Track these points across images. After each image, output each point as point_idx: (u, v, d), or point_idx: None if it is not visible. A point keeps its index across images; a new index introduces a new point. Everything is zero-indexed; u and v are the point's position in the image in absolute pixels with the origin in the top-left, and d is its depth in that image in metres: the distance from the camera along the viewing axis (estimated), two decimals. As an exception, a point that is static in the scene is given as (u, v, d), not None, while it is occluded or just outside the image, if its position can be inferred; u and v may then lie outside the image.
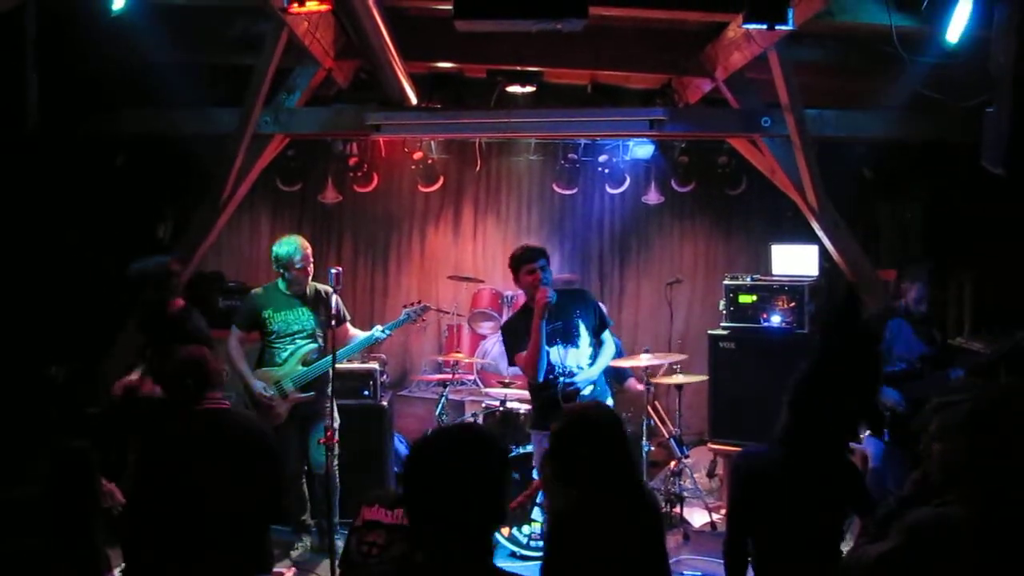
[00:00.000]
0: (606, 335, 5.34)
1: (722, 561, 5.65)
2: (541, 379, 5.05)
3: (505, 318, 8.02)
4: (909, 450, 5.08)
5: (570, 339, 5.12)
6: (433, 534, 2.13)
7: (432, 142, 8.24)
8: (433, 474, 2.15)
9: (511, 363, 5.40)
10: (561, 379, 5.06)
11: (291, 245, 5.72)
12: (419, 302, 6.13)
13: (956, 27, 4.74)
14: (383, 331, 5.87)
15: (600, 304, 5.38)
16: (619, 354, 6.12)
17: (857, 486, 3.49)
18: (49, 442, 4.41)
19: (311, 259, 5.77)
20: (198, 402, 3.90)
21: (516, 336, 5.15)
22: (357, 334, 5.88)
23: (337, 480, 5.75)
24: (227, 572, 3.66)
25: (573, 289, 5.43)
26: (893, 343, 5.47)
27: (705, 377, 7.05)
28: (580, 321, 5.16)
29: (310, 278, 5.81)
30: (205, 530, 3.59)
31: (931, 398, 4.88)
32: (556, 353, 5.07)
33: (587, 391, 5.18)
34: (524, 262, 5.06)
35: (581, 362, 5.15)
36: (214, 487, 3.64)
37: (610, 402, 5.33)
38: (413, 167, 8.34)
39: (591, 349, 5.20)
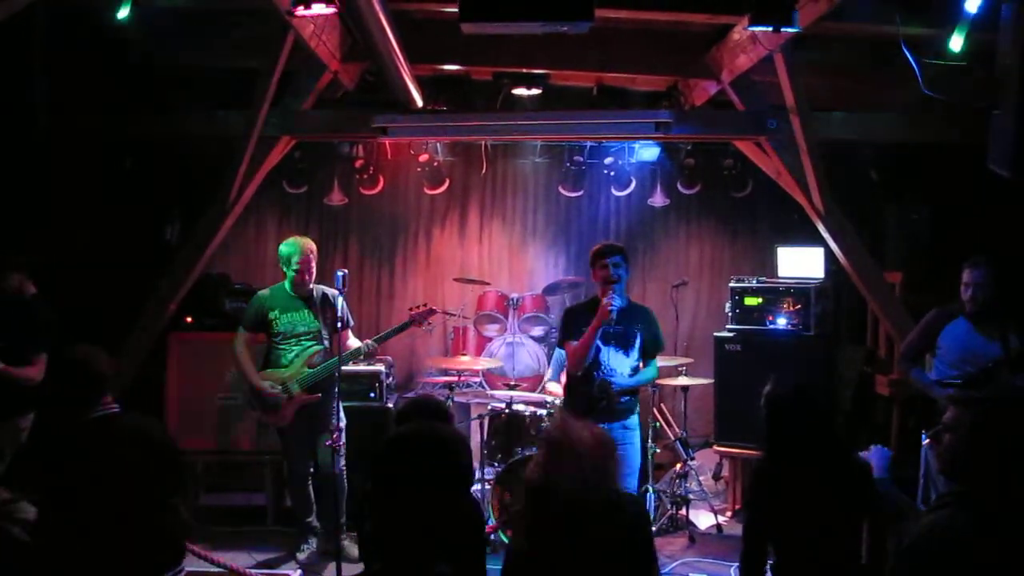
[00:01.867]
0: (654, 361, 5.46)
1: (728, 563, 5.66)
2: (580, 373, 5.20)
3: (510, 320, 8.05)
4: None
5: (624, 346, 5.23)
6: (390, 538, 2.12)
7: (438, 144, 8.25)
8: (400, 475, 2.12)
9: (560, 345, 5.53)
10: (601, 375, 5.18)
11: (292, 245, 5.75)
12: (425, 305, 6.14)
13: (959, 35, 4.75)
14: (372, 344, 5.86)
15: (660, 329, 5.47)
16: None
17: (867, 489, 3.46)
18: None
19: (312, 261, 5.76)
20: (87, 411, 3.55)
21: (574, 324, 5.27)
22: (354, 344, 5.88)
23: (344, 482, 5.76)
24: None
25: (643, 306, 5.51)
26: (952, 346, 5.16)
27: (711, 379, 7.05)
28: (639, 335, 5.27)
29: (312, 280, 5.82)
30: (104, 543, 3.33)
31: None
32: (607, 353, 5.18)
33: (622, 398, 5.26)
34: (599, 256, 5.21)
35: (624, 369, 5.24)
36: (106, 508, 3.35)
37: (635, 418, 5.38)
38: (419, 169, 8.34)
39: (637, 363, 5.28)
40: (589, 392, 5.19)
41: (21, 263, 5.29)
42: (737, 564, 5.80)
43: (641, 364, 5.35)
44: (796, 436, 3.42)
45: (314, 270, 5.81)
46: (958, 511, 2.55)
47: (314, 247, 5.83)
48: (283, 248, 5.79)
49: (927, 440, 5.21)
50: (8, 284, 5.25)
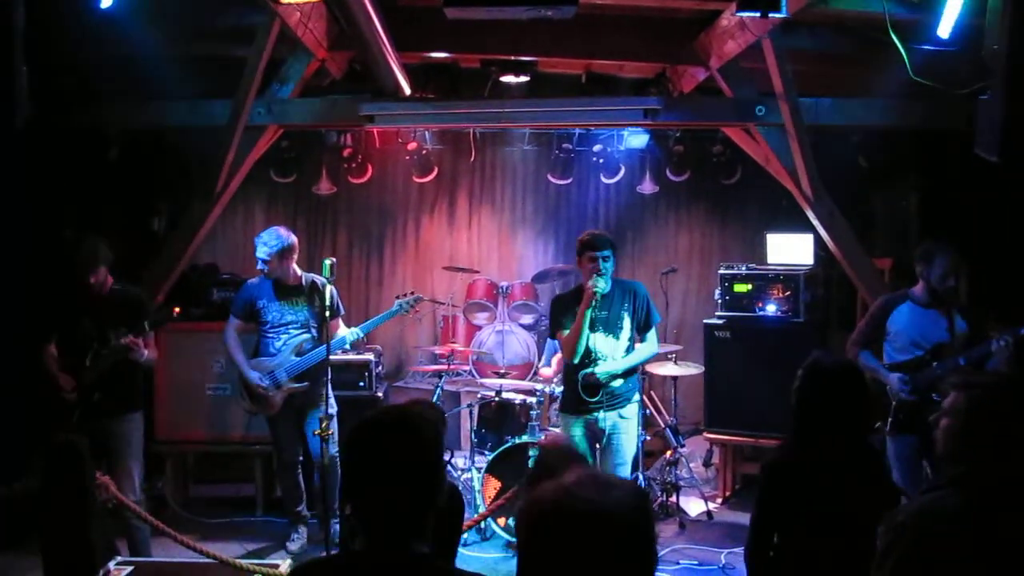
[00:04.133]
0: (650, 334, 5.38)
1: (718, 549, 5.67)
2: (576, 361, 5.17)
3: (499, 308, 8.05)
4: (919, 438, 4.96)
5: (612, 329, 5.20)
6: (368, 520, 2.12)
7: (426, 132, 8.23)
8: (364, 459, 2.13)
9: (552, 336, 5.49)
10: (592, 363, 5.15)
11: (264, 236, 5.74)
12: (412, 292, 6.12)
13: (948, 20, 4.74)
14: (359, 332, 5.85)
15: (651, 302, 5.39)
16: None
17: (881, 479, 3.41)
18: (43, 436, 4.39)
19: (283, 250, 5.69)
20: None
21: (563, 313, 5.27)
22: (343, 332, 5.86)
23: (336, 470, 5.75)
24: None
25: (628, 281, 5.48)
26: (902, 330, 5.24)
27: (701, 366, 7.06)
28: (625, 314, 5.24)
29: (290, 269, 5.78)
30: None
31: (941, 384, 4.87)
32: (596, 339, 5.16)
33: (616, 384, 5.23)
34: (587, 248, 5.16)
35: (616, 353, 5.20)
36: None
37: (634, 407, 5.37)
38: (407, 158, 8.31)
39: (629, 343, 5.25)
40: (578, 392, 5.18)
41: (108, 256, 5.26)
42: (728, 551, 5.86)
43: (637, 341, 5.33)
44: (836, 413, 3.31)
45: (286, 263, 5.74)
46: (953, 492, 2.56)
47: (283, 236, 5.75)
48: (256, 239, 5.79)
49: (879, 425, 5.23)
50: (98, 278, 5.22)
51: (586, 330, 5.08)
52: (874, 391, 5.10)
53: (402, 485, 2.09)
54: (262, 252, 5.70)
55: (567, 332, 5.19)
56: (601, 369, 5.15)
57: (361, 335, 5.87)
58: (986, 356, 4.86)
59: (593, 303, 5.03)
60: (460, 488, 6.12)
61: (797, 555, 3.34)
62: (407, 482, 2.09)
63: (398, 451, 2.10)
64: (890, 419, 5.12)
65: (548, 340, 6.90)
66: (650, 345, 5.38)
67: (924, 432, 4.67)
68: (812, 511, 3.28)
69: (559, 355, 6.13)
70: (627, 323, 5.23)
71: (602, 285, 5.04)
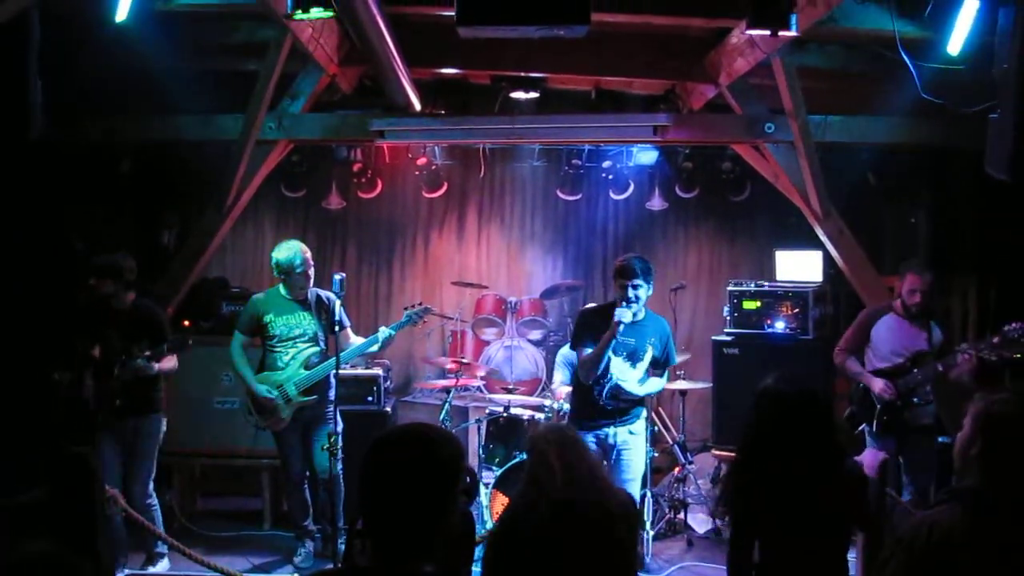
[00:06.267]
0: (666, 372, 5.52)
1: (724, 567, 5.64)
2: (591, 382, 5.22)
3: (508, 323, 8.05)
4: (897, 441, 5.55)
5: (633, 358, 5.26)
6: (377, 536, 2.12)
7: (436, 148, 8.25)
8: (381, 475, 2.12)
9: (572, 348, 5.56)
10: (611, 381, 5.20)
11: (291, 250, 5.72)
12: (420, 303, 6.11)
13: (958, 38, 4.75)
14: (390, 331, 5.82)
15: (673, 344, 5.50)
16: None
17: (856, 497, 3.40)
18: (53, 447, 4.40)
19: (311, 263, 5.78)
20: None
21: (586, 330, 5.31)
22: (356, 340, 5.85)
23: (342, 485, 5.75)
24: None
25: (660, 317, 5.52)
26: (883, 340, 5.65)
27: (709, 383, 7.04)
28: (651, 347, 5.31)
29: (311, 282, 5.81)
30: None
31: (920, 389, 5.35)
32: (617, 363, 5.21)
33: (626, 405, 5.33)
34: (618, 275, 5.21)
35: (630, 382, 5.26)
36: None
37: (643, 423, 5.43)
38: (417, 173, 8.34)
39: (644, 374, 5.31)
40: (597, 394, 5.21)
41: (131, 280, 5.53)
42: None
43: (650, 374, 5.37)
44: (788, 437, 3.33)
45: (313, 271, 5.83)
46: (952, 507, 2.55)
47: (307, 249, 5.82)
48: (280, 255, 5.71)
49: (864, 428, 5.71)
50: (123, 297, 5.49)
51: (607, 356, 5.13)
52: (859, 394, 5.73)
53: (415, 503, 2.07)
54: (302, 265, 5.72)
55: (588, 351, 5.21)
56: (627, 387, 5.23)
57: (393, 333, 5.83)
58: (953, 365, 5.28)
59: (618, 333, 5.08)
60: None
61: (776, 560, 3.35)
62: (421, 500, 2.08)
63: (415, 468, 2.09)
64: (875, 421, 5.59)
65: (566, 349, 6.84)
66: (663, 380, 5.52)
67: (902, 434, 5.56)
68: (785, 517, 3.29)
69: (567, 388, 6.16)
70: (648, 357, 5.28)
71: (627, 317, 5.07)
